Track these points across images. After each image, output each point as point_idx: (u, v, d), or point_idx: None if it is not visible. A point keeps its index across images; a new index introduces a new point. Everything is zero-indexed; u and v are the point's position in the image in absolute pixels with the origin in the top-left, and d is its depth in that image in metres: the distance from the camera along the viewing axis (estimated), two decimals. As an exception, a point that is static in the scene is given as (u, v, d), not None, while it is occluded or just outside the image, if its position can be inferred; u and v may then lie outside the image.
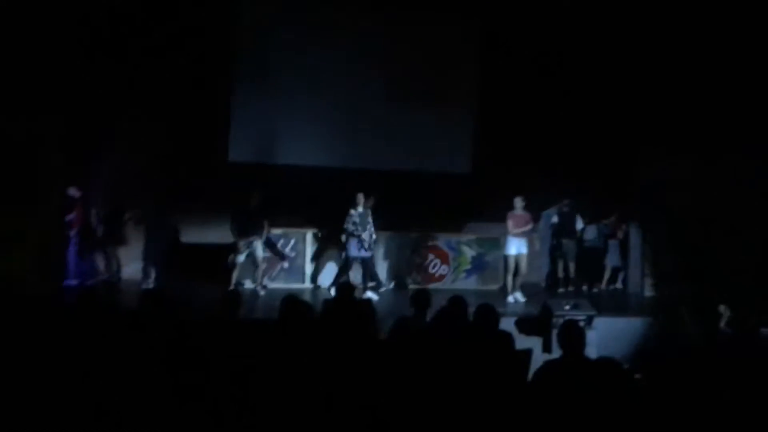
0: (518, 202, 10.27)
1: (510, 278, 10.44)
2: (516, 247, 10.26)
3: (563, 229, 11.30)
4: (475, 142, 12.35)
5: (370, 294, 9.83)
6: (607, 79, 11.73)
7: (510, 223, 10.25)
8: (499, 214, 10.41)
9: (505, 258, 10.56)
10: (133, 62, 10.53)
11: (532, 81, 11.88)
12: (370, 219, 10.01)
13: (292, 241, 10.70)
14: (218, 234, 11.06)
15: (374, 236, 10.09)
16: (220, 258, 10.43)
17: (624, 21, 11.15)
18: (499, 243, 11.40)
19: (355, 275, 10.20)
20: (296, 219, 10.06)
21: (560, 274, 11.52)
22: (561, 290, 11.28)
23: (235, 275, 9.90)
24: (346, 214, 9.91)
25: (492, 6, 11.67)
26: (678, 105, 10.78)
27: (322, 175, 11.25)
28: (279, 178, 9.85)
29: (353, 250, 9.96)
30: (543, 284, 11.67)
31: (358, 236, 9.89)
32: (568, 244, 11.34)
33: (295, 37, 11.58)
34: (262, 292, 10.01)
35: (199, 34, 10.72)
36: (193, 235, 11.17)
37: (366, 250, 9.99)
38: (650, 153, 11.22)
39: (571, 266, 11.38)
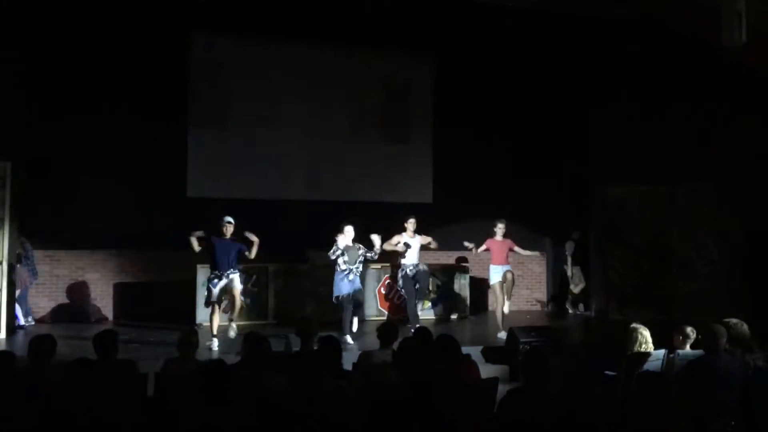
0: (499, 228, 9.20)
1: (500, 310, 9.24)
2: (500, 272, 9.21)
3: (572, 257, 12.40)
4: (435, 171, 12.40)
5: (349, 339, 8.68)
6: (559, 103, 11.98)
7: (491, 252, 9.24)
8: (462, 241, 10.37)
9: (491, 288, 9.49)
10: (89, 105, 10.39)
11: (488, 109, 12.07)
12: (360, 252, 9.01)
13: (254, 277, 10.49)
14: (177, 271, 10.88)
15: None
16: (178, 295, 10.23)
17: (574, 53, 11.41)
18: (465, 270, 11.43)
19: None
20: (257, 253, 9.81)
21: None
22: (570, 312, 12.25)
23: (215, 318, 8.60)
24: (307, 246, 9.63)
25: (443, 41, 11.85)
26: (632, 130, 11.00)
27: (282, 209, 11.12)
28: (238, 213, 9.66)
29: (345, 287, 8.90)
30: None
31: (343, 262, 8.89)
32: (576, 270, 12.35)
33: (252, 73, 11.54)
34: (232, 334, 8.37)
35: (154, 70, 10.64)
36: (154, 273, 10.94)
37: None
38: (606, 176, 11.39)
39: (577, 289, 12.38)
